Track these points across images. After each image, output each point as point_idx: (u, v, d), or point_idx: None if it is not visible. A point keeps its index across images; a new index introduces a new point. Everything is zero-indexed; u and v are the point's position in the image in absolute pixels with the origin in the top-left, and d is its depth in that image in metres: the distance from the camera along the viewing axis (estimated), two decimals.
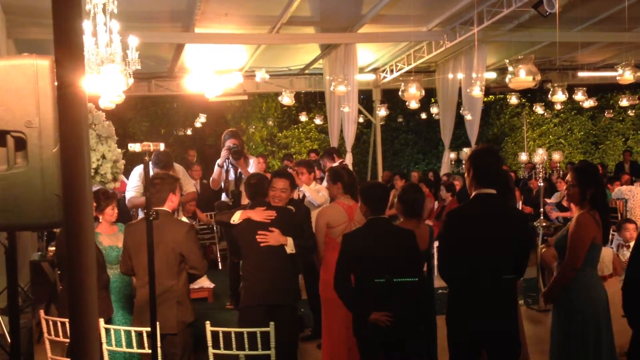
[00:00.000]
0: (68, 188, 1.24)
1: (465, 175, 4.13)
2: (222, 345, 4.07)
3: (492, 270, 3.86)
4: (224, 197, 7.53)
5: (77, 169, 1.23)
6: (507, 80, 8.10)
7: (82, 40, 1.31)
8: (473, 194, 3.99)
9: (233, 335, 4.04)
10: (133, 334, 4.18)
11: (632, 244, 6.38)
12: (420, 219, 5.20)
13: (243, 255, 5.05)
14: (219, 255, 10.86)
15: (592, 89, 16.04)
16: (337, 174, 5.70)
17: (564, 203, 10.65)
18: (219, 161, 7.27)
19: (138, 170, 6.57)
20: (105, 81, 5.51)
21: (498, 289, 3.89)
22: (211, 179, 7.47)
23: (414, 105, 12.89)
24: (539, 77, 7.94)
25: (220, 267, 10.55)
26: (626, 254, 6.48)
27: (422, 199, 5.23)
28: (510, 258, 3.90)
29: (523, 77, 7.76)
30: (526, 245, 4.11)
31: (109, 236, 5.05)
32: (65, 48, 1.27)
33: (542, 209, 8.76)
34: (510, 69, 7.96)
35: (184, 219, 6.75)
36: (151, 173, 6.85)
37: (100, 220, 5.05)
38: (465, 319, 3.92)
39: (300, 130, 19.79)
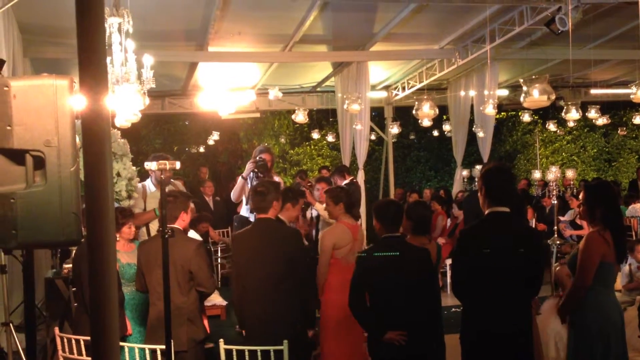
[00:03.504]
0: (91, 206, 1.25)
1: (479, 193, 4.12)
2: None
3: (507, 289, 3.83)
4: (244, 211, 7.44)
5: (100, 188, 1.24)
6: (521, 99, 8.09)
7: (106, 60, 1.33)
8: (486, 212, 3.98)
9: (247, 353, 4.03)
10: (147, 352, 4.18)
11: None
12: (429, 236, 5.19)
13: (240, 285, 4.62)
14: None
15: (605, 106, 15.97)
16: (337, 195, 5.68)
17: (578, 221, 10.58)
18: (243, 173, 7.21)
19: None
20: (122, 100, 5.56)
21: (513, 307, 3.86)
22: (233, 190, 7.44)
23: (426, 122, 12.89)
24: (553, 97, 7.93)
25: None
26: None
27: (430, 216, 5.23)
28: (525, 276, 3.87)
29: (538, 96, 7.75)
30: (541, 264, 4.08)
31: (127, 253, 5.07)
32: (89, 68, 1.29)
33: (555, 227, 8.72)
34: (525, 88, 7.95)
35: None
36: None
37: (118, 238, 5.08)
38: (479, 337, 3.88)
39: (312, 147, 19.81)
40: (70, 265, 5.77)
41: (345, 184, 9.28)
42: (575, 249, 4.35)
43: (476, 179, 15.29)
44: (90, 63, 1.29)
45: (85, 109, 1.29)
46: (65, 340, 4.44)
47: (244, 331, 7.20)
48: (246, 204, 7.25)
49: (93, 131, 1.28)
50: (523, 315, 3.93)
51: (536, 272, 3.97)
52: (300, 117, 13.79)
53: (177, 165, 3.61)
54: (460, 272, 4.04)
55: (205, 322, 4.80)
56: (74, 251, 5.33)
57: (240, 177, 7.28)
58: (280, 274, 4.51)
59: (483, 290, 3.85)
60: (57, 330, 4.59)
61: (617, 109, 19.46)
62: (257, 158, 7.13)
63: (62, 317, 6.43)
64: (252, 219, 7.14)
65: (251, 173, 7.13)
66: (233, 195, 7.44)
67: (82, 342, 4.36)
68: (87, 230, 1.29)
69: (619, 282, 6.86)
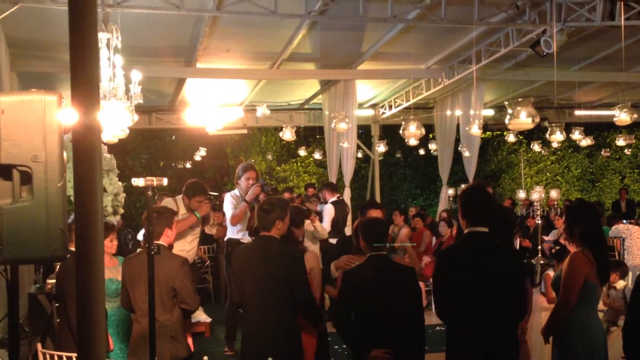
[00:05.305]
0: (81, 221, 1.26)
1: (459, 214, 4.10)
2: None
3: (488, 310, 3.76)
4: (232, 234, 6.99)
5: (89, 203, 1.25)
6: (506, 121, 8.16)
7: (98, 77, 1.35)
8: (465, 232, 3.96)
9: None
10: None
11: (617, 285, 6.35)
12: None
13: (244, 304, 4.52)
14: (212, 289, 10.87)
15: (589, 127, 16.13)
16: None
17: (562, 240, 10.63)
18: (247, 197, 6.71)
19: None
20: (109, 115, 5.55)
21: (496, 329, 3.79)
22: (233, 214, 6.80)
23: (412, 141, 12.97)
24: (537, 119, 8.01)
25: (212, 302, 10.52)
26: (611, 294, 6.45)
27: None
28: (507, 298, 3.79)
29: (522, 119, 7.83)
30: (523, 285, 4.04)
31: (109, 269, 4.98)
32: (81, 83, 1.30)
33: (539, 247, 8.75)
34: (510, 111, 8.03)
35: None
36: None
37: None
38: (464, 358, 3.86)
39: (299, 164, 19.83)
40: (54, 281, 5.73)
41: (331, 202, 9.30)
42: (559, 269, 4.37)
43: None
44: (82, 78, 1.31)
45: (76, 123, 1.30)
46: (47, 356, 4.39)
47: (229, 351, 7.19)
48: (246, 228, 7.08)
49: (83, 146, 1.29)
50: (507, 337, 3.84)
51: (519, 293, 3.87)
52: (288, 134, 13.85)
53: (165, 181, 3.60)
54: (441, 293, 3.97)
55: (190, 340, 4.75)
56: (58, 267, 5.28)
57: (242, 202, 6.80)
58: (274, 294, 4.34)
59: (465, 311, 3.78)
60: (39, 346, 4.54)
61: (600, 130, 19.69)
62: (262, 182, 6.87)
63: (44, 333, 6.37)
64: (244, 241, 7.05)
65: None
66: (233, 219, 6.81)
67: (64, 358, 4.31)
68: (76, 243, 1.29)
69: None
